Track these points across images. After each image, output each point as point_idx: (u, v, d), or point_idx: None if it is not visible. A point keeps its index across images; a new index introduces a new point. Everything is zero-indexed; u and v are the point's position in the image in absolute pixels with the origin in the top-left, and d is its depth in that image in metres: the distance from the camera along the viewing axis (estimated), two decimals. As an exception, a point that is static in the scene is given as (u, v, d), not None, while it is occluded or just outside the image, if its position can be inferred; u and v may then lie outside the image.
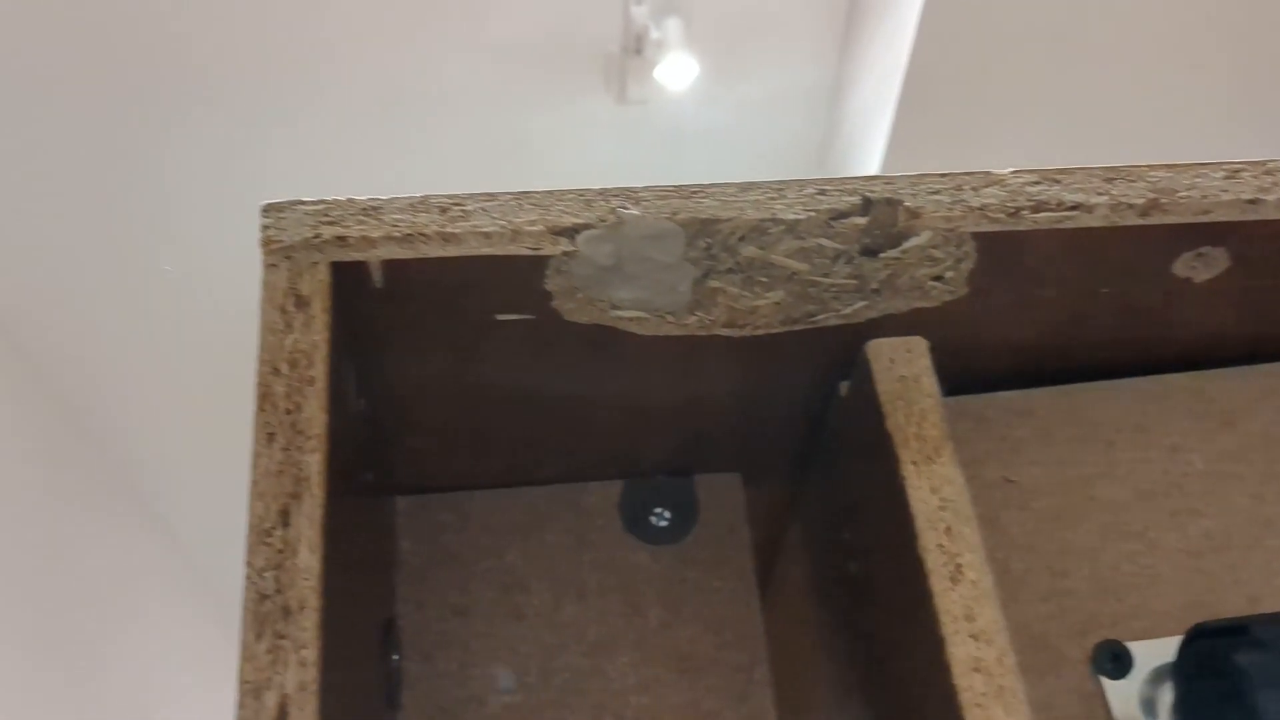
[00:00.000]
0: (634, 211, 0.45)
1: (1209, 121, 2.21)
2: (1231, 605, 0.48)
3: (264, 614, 0.36)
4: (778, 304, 0.49)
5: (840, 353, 0.50)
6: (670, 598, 0.57)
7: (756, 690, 0.54)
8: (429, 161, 2.48)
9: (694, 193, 0.45)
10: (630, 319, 0.48)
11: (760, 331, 0.50)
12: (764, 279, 0.47)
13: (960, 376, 0.52)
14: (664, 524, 0.58)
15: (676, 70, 2.55)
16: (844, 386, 0.51)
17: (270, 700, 0.35)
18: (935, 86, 2.27)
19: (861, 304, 0.49)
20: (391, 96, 2.38)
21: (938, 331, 0.50)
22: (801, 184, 0.45)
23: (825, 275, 0.47)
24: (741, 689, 0.54)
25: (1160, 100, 2.24)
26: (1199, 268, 0.49)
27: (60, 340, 2.42)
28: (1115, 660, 0.46)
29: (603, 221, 0.45)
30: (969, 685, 0.40)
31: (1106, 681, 0.46)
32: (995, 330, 0.51)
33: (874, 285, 0.48)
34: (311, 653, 0.35)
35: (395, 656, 0.53)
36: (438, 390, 0.51)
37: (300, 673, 0.35)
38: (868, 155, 2.48)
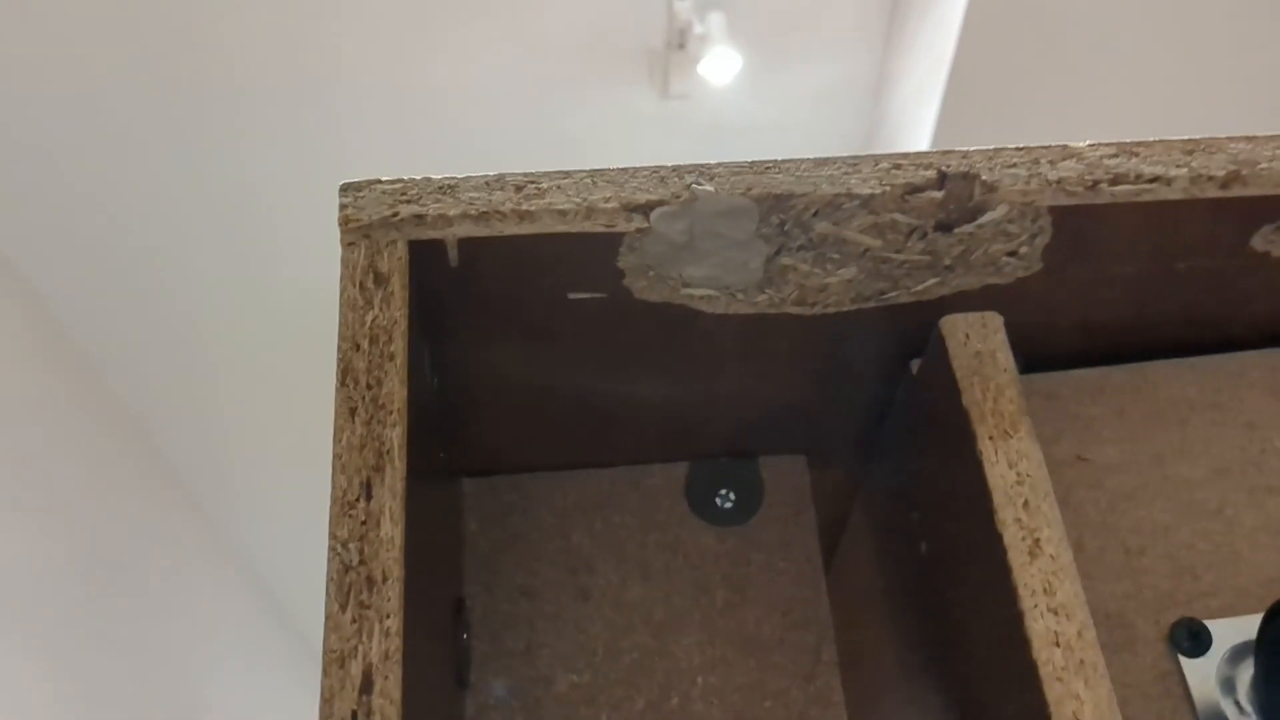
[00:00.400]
0: (708, 188, 0.45)
1: (1267, 109, 2.17)
2: (1313, 585, 0.47)
3: (348, 584, 0.37)
4: (849, 281, 0.49)
5: (911, 330, 0.50)
6: (736, 579, 0.57)
7: (824, 670, 0.54)
8: (473, 158, 2.50)
9: (768, 168, 0.45)
10: (701, 297, 0.48)
11: (830, 309, 0.50)
12: (836, 256, 0.47)
13: (1033, 354, 0.52)
14: (729, 505, 0.58)
15: (719, 64, 2.55)
16: (915, 364, 0.51)
17: (355, 669, 0.35)
18: (982, 79, 2.25)
19: (934, 281, 0.49)
20: (435, 93, 2.40)
21: (1010, 308, 0.50)
22: (876, 159, 0.45)
23: (898, 251, 0.47)
24: (809, 669, 0.54)
25: (1216, 91, 2.20)
26: (1278, 241, 0.48)
27: (139, 369, 2.47)
28: (1193, 638, 0.45)
29: (677, 198, 0.45)
30: (1049, 660, 0.39)
31: (1184, 660, 0.45)
32: (1068, 306, 0.50)
33: (947, 261, 0.48)
34: (396, 622, 0.36)
35: (465, 636, 0.54)
36: (508, 370, 0.52)
37: (385, 642, 0.36)
38: (913, 150, 2.45)
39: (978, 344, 0.47)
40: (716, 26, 2.52)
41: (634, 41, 2.54)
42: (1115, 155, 0.45)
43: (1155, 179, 0.45)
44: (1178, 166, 0.45)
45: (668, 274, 0.47)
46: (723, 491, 0.59)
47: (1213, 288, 0.50)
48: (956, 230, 0.46)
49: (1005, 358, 0.46)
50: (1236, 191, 0.45)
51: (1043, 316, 0.51)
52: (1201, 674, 0.45)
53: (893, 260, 0.48)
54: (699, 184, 0.45)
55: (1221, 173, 0.45)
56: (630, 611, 0.56)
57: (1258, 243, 0.48)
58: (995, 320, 0.48)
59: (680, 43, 2.59)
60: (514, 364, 0.51)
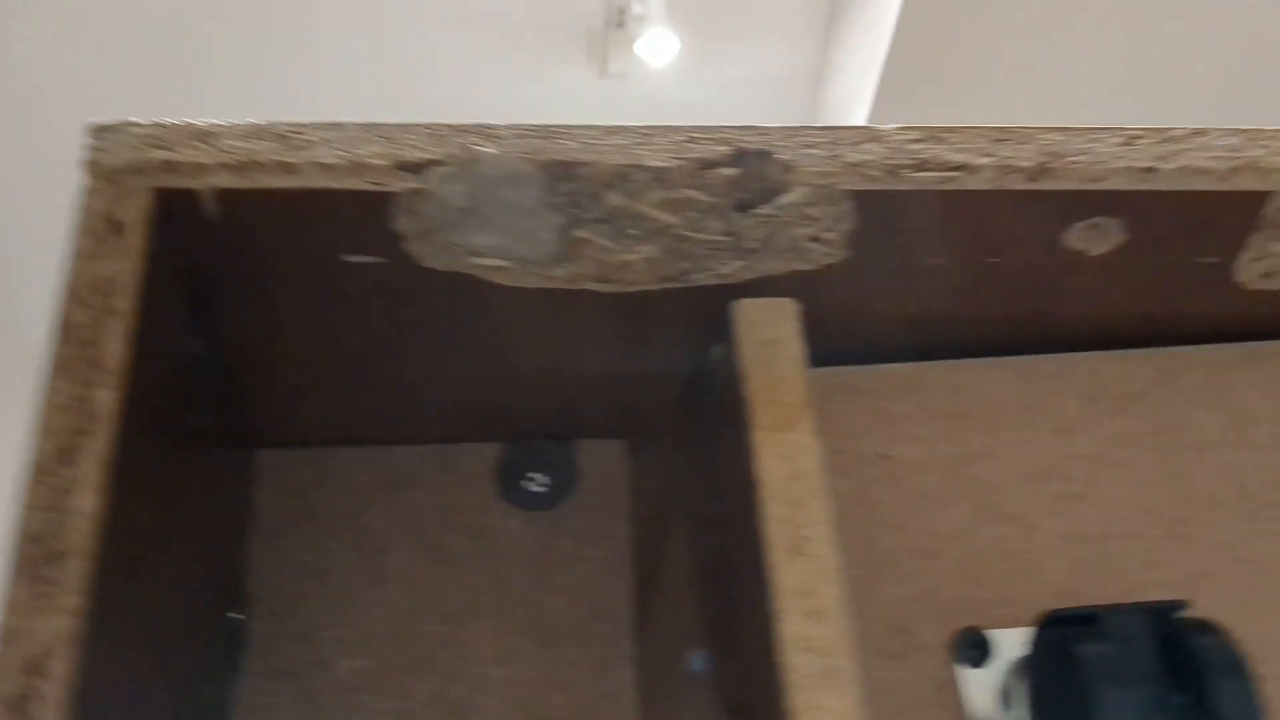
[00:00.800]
0: (489, 150, 0.42)
1: (1201, 110, 2.18)
2: (1106, 595, 0.45)
3: (34, 557, 0.34)
4: (650, 259, 0.46)
5: (718, 315, 0.48)
6: (539, 566, 0.54)
7: (618, 665, 0.52)
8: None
9: (555, 134, 0.42)
10: (492, 267, 0.46)
11: (633, 288, 0.47)
12: (634, 231, 0.45)
13: (846, 347, 0.50)
14: (540, 490, 0.56)
15: (657, 45, 2.52)
16: (718, 350, 0.49)
17: (25, 649, 0.32)
18: (914, 79, 2.24)
19: (738, 264, 0.46)
20: (373, 65, 2.35)
21: (821, 298, 0.47)
22: (671, 130, 0.43)
23: (698, 230, 0.45)
24: (603, 663, 0.52)
25: (1150, 91, 2.21)
26: (1093, 240, 0.46)
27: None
28: (975, 648, 0.43)
29: (455, 159, 0.42)
30: (798, 665, 0.37)
31: (964, 670, 0.43)
32: (881, 299, 0.48)
33: (750, 244, 0.46)
34: (77, 600, 0.33)
35: (237, 615, 0.51)
36: (293, 336, 0.49)
37: (64, 622, 0.33)
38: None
39: (767, 331, 0.45)
40: (656, 7, 2.48)
41: (573, 18, 2.51)
42: (919, 140, 0.43)
43: (960, 167, 0.43)
44: (985, 155, 0.43)
45: (453, 241, 0.44)
46: (534, 475, 0.56)
47: (1029, 285, 0.48)
48: (756, 211, 0.44)
49: (794, 347, 0.44)
50: (1046, 185, 0.43)
51: (856, 307, 0.49)
52: (982, 685, 0.43)
53: (693, 239, 0.45)
54: (478, 145, 0.42)
55: (1029, 164, 0.43)
56: (422, 596, 0.53)
57: (1072, 240, 0.46)
58: (788, 307, 0.45)
59: (619, 21, 2.56)
60: (298, 330, 0.48)
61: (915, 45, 2.18)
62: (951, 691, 0.44)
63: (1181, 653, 0.37)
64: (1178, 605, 0.38)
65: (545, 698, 0.51)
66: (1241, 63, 2.15)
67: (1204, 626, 0.37)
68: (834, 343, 0.50)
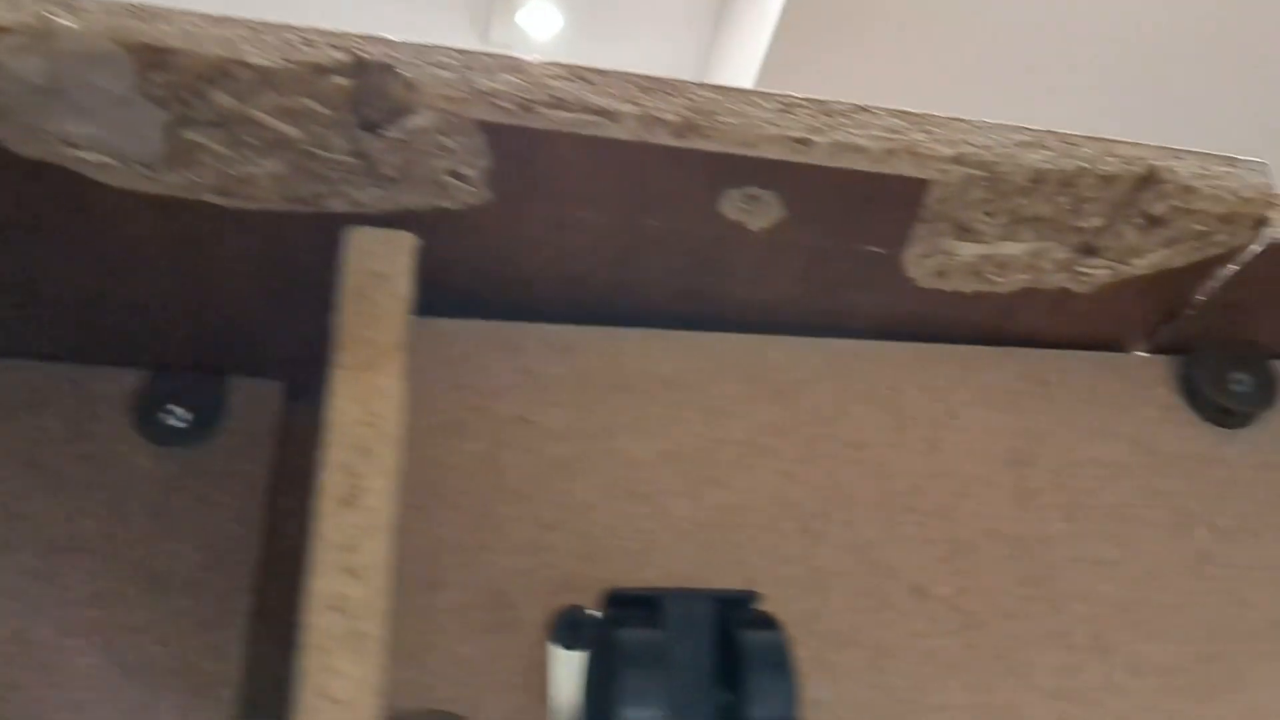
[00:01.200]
0: (66, 22, 0.37)
1: (1091, 110, 2.22)
2: (725, 585, 0.43)
3: None
4: (276, 176, 0.42)
5: None
6: (162, 507, 0.50)
7: (231, 620, 0.48)
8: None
9: (151, 15, 0.38)
10: (91, 163, 0.41)
11: (258, 205, 0.43)
12: (253, 141, 0.41)
13: (500, 301, 0.47)
14: (179, 425, 0.51)
15: (538, 18, 2.48)
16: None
17: None
18: (794, 72, 2.24)
19: (377, 192, 0.43)
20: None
21: (471, 244, 0.44)
22: (285, 29, 0.39)
23: (323, 148, 0.41)
24: (213, 616, 0.48)
25: (1040, 81, 2.23)
26: (752, 212, 0.44)
27: None
28: (572, 629, 0.40)
29: (27, 28, 0.37)
30: (321, 625, 0.34)
31: (556, 650, 0.40)
32: (537, 252, 0.45)
33: (386, 171, 0.42)
34: None
35: None
36: None
37: None
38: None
39: (376, 263, 0.41)
40: (542, -22, 2.44)
41: (458, -20, 2.45)
42: (563, 78, 0.40)
43: (601, 111, 0.40)
44: (629, 103, 0.40)
45: (40, 125, 0.39)
46: (174, 408, 0.51)
47: (693, 256, 0.45)
48: (382, 132, 0.40)
49: (402, 284, 0.41)
50: (693, 143, 0.40)
51: (509, 258, 0.45)
52: (571, 668, 0.40)
53: (319, 157, 0.41)
54: (57, 16, 0.37)
55: (675, 118, 0.40)
56: (20, 526, 0.48)
57: (729, 210, 0.43)
58: (405, 240, 0.42)
59: (504, -11, 2.51)
60: (-126, 211, 0.43)
61: (796, 38, 2.18)
62: (543, 672, 0.41)
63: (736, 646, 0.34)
64: (749, 596, 0.36)
65: (143, 647, 0.47)
66: (1136, 54, 2.17)
67: (763, 621, 0.35)
68: (486, 295, 0.46)
